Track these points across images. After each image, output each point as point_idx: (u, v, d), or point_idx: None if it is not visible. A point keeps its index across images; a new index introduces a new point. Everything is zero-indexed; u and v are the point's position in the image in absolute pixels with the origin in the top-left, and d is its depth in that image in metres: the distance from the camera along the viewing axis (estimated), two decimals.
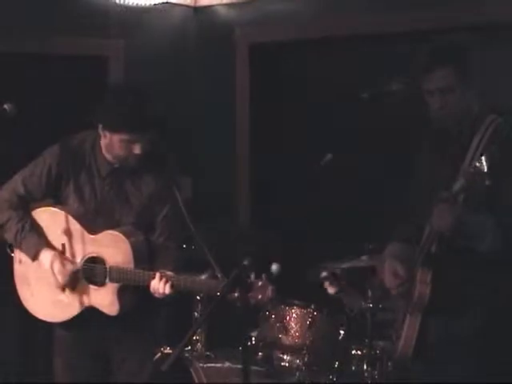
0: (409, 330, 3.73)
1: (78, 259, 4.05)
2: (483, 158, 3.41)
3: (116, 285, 3.96)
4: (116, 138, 3.95)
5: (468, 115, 3.73)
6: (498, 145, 3.53)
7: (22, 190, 4.09)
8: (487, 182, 3.43)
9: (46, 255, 4.02)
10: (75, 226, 4.03)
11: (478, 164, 3.43)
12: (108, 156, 4.04)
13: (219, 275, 3.74)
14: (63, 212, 4.06)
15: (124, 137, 3.93)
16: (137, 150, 3.96)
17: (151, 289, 3.86)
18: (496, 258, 3.57)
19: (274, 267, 3.38)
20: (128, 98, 3.94)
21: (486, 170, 3.40)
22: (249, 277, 3.55)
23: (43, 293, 4.09)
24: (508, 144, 3.57)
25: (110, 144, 3.99)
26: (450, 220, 3.56)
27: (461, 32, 5.46)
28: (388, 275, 3.89)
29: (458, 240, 3.61)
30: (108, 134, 3.97)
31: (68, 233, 4.04)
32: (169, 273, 3.87)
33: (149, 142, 3.99)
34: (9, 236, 4.11)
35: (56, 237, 4.06)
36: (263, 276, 3.57)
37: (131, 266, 3.94)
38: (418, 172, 4.01)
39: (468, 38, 5.40)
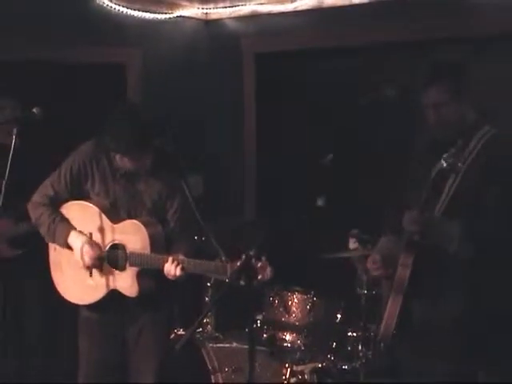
0: (390, 311, 3.72)
1: (103, 246, 4.07)
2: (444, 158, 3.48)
3: (135, 269, 3.99)
4: (124, 158, 3.99)
5: (462, 125, 3.73)
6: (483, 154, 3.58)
7: (51, 192, 4.12)
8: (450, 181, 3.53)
9: (75, 239, 4.05)
10: (100, 217, 4.05)
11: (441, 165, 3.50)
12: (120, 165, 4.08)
13: (224, 259, 3.76)
14: (90, 204, 4.09)
15: (130, 158, 3.97)
16: (143, 165, 4.01)
17: (165, 271, 3.89)
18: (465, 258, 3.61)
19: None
20: (132, 126, 3.90)
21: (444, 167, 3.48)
22: (254, 264, 3.54)
23: (73, 278, 4.12)
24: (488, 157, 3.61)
25: (120, 160, 4.01)
26: (417, 225, 3.64)
27: (455, 43, 5.45)
28: (368, 263, 3.97)
29: (427, 240, 3.65)
30: (117, 155, 4.01)
31: (94, 222, 4.07)
32: (180, 257, 3.89)
33: (151, 154, 4.01)
34: (42, 229, 4.14)
35: (84, 226, 4.09)
36: (263, 258, 3.59)
37: (148, 251, 3.96)
38: (414, 172, 3.98)
39: (462, 49, 5.37)
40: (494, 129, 3.72)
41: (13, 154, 3.92)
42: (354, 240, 4.85)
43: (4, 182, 3.91)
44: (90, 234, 4.07)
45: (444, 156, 3.56)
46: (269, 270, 3.63)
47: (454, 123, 3.73)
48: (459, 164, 3.55)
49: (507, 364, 3.75)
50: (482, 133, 3.69)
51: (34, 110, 4.08)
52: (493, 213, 3.56)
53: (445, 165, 3.55)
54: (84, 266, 4.05)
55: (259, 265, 3.58)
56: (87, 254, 4.02)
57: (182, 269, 3.86)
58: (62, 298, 4.23)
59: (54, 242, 4.16)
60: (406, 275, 3.69)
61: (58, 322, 5.29)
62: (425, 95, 3.79)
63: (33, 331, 5.29)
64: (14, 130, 3.98)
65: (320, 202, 4.63)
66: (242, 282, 3.44)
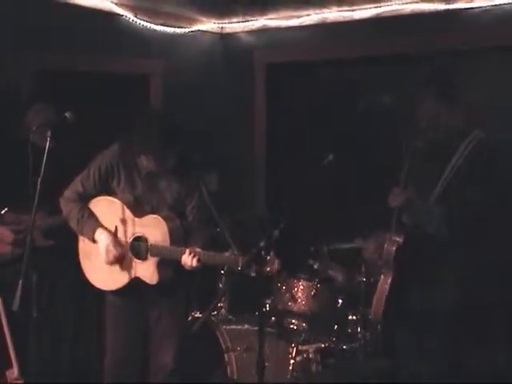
0: (379, 292, 3.76)
1: (127, 238, 4.10)
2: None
3: (156, 259, 4.02)
4: (149, 158, 4.01)
5: (454, 131, 3.75)
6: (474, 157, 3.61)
7: (80, 189, 4.15)
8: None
9: (101, 236, 4.08)
10: (125, 211, 4.08)
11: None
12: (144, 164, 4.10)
13: (236, 252, 3.79)
14: (116, 200, 4.12)
15: (155, 159, 3.99)
16: (166, 165, 4.03)
17: (182, 262, 3.91)
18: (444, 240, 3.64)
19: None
20: (155, 129, 3.92)
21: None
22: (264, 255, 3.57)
23: (100, 266, 4.14)
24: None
25: (145, 160, 4.04)
26: (400, 200, 3.71)
27: (448, 56, 5.44)
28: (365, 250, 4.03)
29: (409, 219, 3.68)
30: (142, 156, 4.03)
31: (119, 216, 4.10)
32: (197, 249, 3.91)
33: (175, 155, 4.04)
34: (72, 223, 4.18)
35: (110, 219, 4.12)
36: (271, 252, 3.60)
37: (168, 243, 3.99)
38: (410, 173, 3.97)
39: (455, 61, 5.37)
40: (481, 134, 3.73)
41: (47, 154, 3.96)
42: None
43: (39, 180, 3.95)
44: (116, 226, 4.09)
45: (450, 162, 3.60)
46: (276, 263, 3.64)
47: (447, 129, 3.75)
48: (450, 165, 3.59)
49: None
50: (471, 138, 3.70)
51: (67, 115, 4.09)
52: (472, 206, 3.59)
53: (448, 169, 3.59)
54: (107, 262, 4.09)
55: (268, 258, 3.60)
56: (110, 252, 4.05)
57: (198, 260, 3.88)
58: (91, 284, 4.26)
59: (82, 235, 4.20)
60: (393, 249, 3.74)
61: (87, 307, 5.30)
62: (420, 103, 3.82)
63: (65, 316, 5.31)
64: (49, 133, 3.98)
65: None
66: (252, 273, 3.50)
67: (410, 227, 3.76)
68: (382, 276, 3.78)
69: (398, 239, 3.74)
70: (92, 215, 4.15)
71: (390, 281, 3.74)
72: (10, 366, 4.45)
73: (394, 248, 3.73)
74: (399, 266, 3.74)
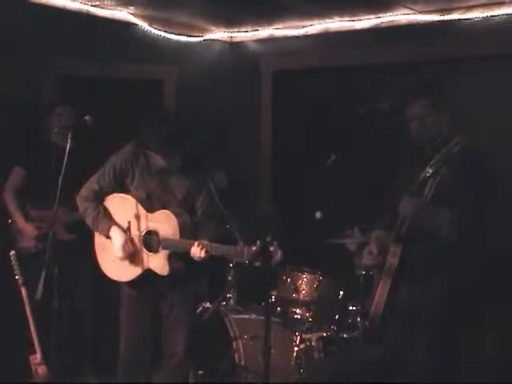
0: (380, 293, 3.70)
1: (140, 232, 4.10)
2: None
3: (167, 251, 4.03)
4: (159, 156, 4.03)
5: (439, 135, 3.70)
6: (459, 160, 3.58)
7: (96, 187, 4.15)
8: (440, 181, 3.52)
9: (115, 234, 4.09)
10: (138, 207, 4.09)
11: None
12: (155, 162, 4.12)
13: (241, 244, 3.79)
14: (129, 196, 4.13)
15: (164, 156, 4.02)
16: (175, 162, 4.05)
17: (191, 254, 3.92)
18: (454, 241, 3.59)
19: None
20: (165, 127, 3.95)
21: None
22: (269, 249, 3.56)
23: (115, 259, 4.14)
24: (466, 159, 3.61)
25: (156, 158, 4.06)
26: (412, 207, 3.60)
27: (442, 64, 5.45)
28: (366, 253, 3.94)
29: (420, 225, 3.65)
30: (153, 153, 4.05)
31: (133, 212, 4.11)
32: (205, 242, 3.91)
33: (184, 153, 4.05)
34: (88, 221, 4.18)
35: (124, 215, 4.12)
36: (274, 243, 3.58)
37: (178, 237, 4.00)
38: (401, 174, 3.97)
39: (443, 69, 5.38)
40: (464, 139, 3.69)
41: (68, 154, 3.99)
42: (356, 231, 4.84)
43: (61, 178, 3.98)
44: (129, 221, 4.09)
45: (430, 163, 3.58)
46: (279, 253, 3.62)
47: (433, 133, 3.72)
48: (441, 169, 3.58)
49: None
50: (455, 142, 3.67)
51: (86, 118, 4.15)
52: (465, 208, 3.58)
53: (430, 171, 3.58)
54: (121, 258, 4.09)
55: (271, 249, 3.56)
56: (124, 249, 4.06)
57: (206, 252, 3.89)
58: (106, 275, 4.27)
59: (97, 232, 4.20)
60: (396, 263, 3.67)
61: (105, 297, 5.32)
62: (410, 107, 3.79)
63: (84, 306, 5.33)
64: (69, 134, 4.04)
65: (318, 216, 4.63)
66: (258, 264, 3.51)
67: (417, 233, 3.68)
68: (382, 282, 3.71)
69: (399, 251, 3.69)
70: (107, 213, 4.15)
71: (389, 286, 3.71)
72: (34, 351, 4.50)
73: (397, 261, 3.67)
74: (398, 273, 3.72)
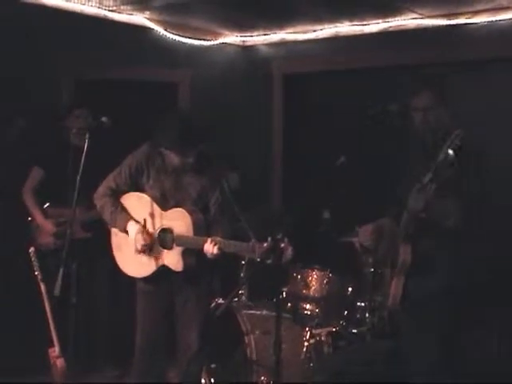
0: (396, 289, 3.68)
1: (155, 230, 4.11)
2: (449, 152, 3.43)
3: (181, 248, 4.02)
4: (172, 153, 4.04)
5: (441, 128, 3.70)
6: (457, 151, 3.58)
7: (113, 185, 4.15)
8: (449, 172, 3.45)
9: (131, 227, 4.10)
10: (153, 205, 4.09)
11: (442, 158, 3.45)
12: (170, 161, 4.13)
13: (253, 241, 3.75)
14: (144, 195, 4.13)
15: (177, 153, 4.02)
16: (188, 160, 4.04)
17: (204, 250, 3.91)
18: (458, 233, 3.60)
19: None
20: (177, 124, 3.95)
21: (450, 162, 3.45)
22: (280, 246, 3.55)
23: (130, 256, 4.15)
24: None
25: (170, 156, 4.05)
26: (422, 203, 3.55)
27: (440, 66, 5.47)
28: (361, 231, 3.96)
29: (429, 218, 3.64)
30: (166, 151, 4.05)
31: (148, 210, 4.11)
32: (218, 238, 3.90)
33: (197, 153, 4.03)
34: (105, 217, 4.18)
35: (139, 213, 4.12)
36: (285, 240, 3.55)
37: (191, 234, 4.00)
38: (406, 169, 3.98)
39: (446, 70, 5.40)
40: (464, 132, 3.67)
41: (85, 154, 4.01)
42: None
43: (78, 177, 4.00)
44: (144, 219, 4.10)
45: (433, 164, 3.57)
46: (290, 250, 3.59)
47: (436, 125, 3.73)
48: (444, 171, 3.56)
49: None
50: (456, 133, 3.64)
51: (103, 119, 4.15)
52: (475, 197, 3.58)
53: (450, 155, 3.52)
54: (136, 251, 4.09)
55: (282, 246, 3.54)
56: (139, 241, 4.06)
57: (219, 248, 3.87)
58: (122, 272, 4.26)
59: (114, 227, 4.20)
60: (409, 261, 3.65)
61: (121, 293, 5.34)
62: (414, 99, 3.79)
63: (101, 301, 5.36)
64: (87, 135, 4.06)
65: (326, 215, 4.63)
66: (269, 261, 3.51)
67: (425, 226, 3.66)
68: (396, 278, 3.68)
69: (409, 251, 3.67)
70: (124, 209, 4.15)
71: (403, 281, 3.70)
72: (52, 344, 4.53)
73: (410, 260, 3.64)
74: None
